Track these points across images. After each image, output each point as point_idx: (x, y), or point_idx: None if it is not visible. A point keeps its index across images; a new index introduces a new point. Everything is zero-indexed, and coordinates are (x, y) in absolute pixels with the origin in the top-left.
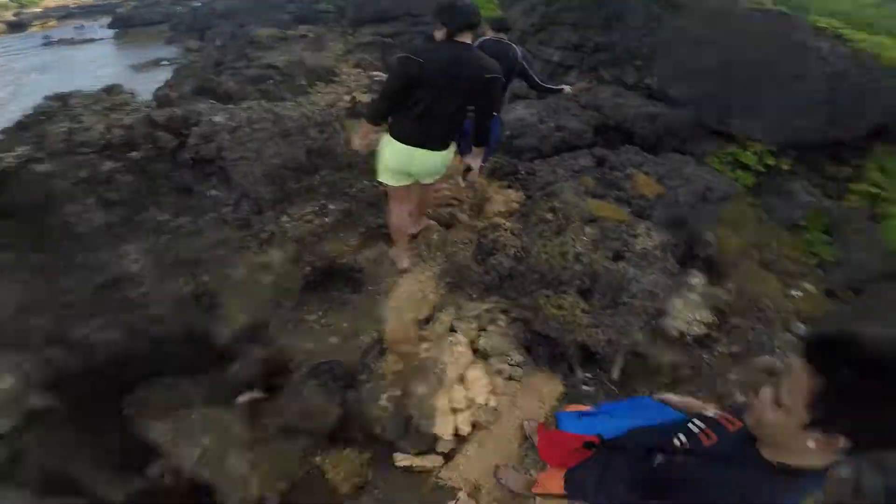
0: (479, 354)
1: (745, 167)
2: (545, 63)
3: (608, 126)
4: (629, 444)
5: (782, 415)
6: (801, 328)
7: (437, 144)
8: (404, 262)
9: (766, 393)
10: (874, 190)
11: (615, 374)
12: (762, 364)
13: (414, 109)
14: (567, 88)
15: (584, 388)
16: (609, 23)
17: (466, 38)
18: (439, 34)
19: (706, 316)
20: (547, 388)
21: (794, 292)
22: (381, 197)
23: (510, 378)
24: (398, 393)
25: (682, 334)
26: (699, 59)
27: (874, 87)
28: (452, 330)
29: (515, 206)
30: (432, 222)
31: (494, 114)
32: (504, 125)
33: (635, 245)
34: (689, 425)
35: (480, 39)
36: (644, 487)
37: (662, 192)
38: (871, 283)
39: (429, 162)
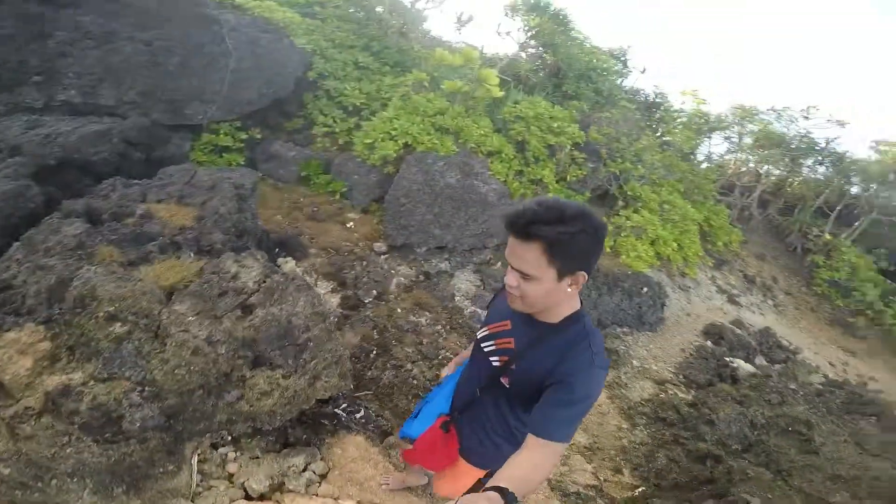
0: None
1: (227, 149)
2: None
3: (49, 168)
4: (466, 393)
5: (538, 283)
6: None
7: None
8: None
9: (512, 279)
10: (326, 129)
11: None
12: None
13: None
14: None
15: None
16: None
17: None
18: None
19: None
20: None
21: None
22: None
23: None
24: None
25: None
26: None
27: (282, 45)
28: None
29: None
30: None
31: None
32: None
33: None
34: (487, 354)
35: None
36: (512, 401)
37: (196, 214)
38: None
39: None
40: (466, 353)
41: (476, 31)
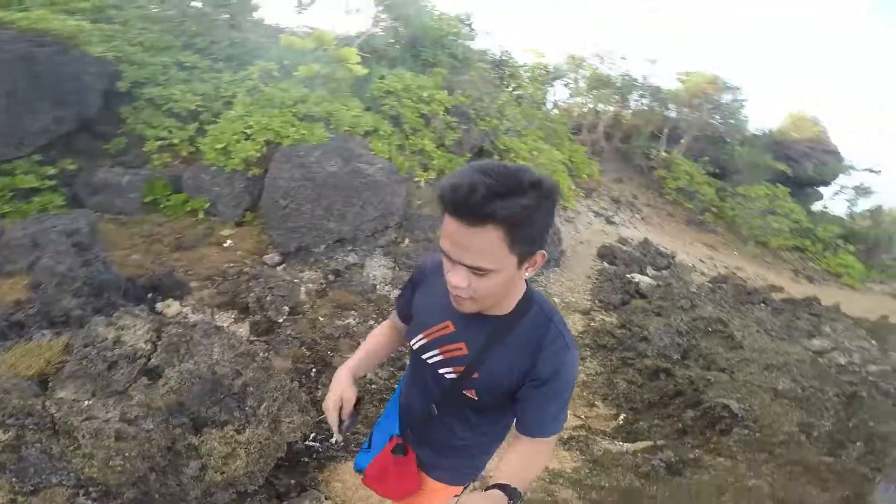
0: None
1: (35, 190)
2: None
3: None
4: (418, 410)
5: (495, 277)
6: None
7: None
8: None
9: (460, 278)
10: (161, 142)
11: None
12: None
13: None
14: None
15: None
16: None
17: None
18: None
19: None
20: None
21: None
22: None
23: None
24: None
25: None
26: None
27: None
28: None
29: None
30: None
31: None
32: None
33: None
34: (434, 366)
35: None
36: (482, 411)
37: (28, 282)
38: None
39: None
40: (374, 345)
41: (320, 12)
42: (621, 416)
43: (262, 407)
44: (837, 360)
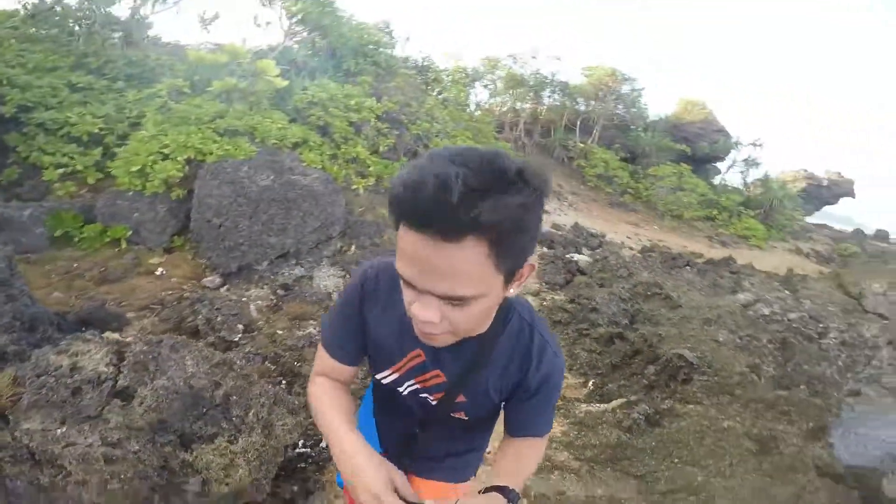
0: None
1: None
2: None
3: None
4: (399, 431)
5: (477, 303)
6: None
7: None
8: None
9: (432, 313)
10: (62, 170)
11: None
12: None
13: None
14: None
15: None
16: None
17: None
18: None
19: None
20: None
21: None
22: None
23: None
24: None
25: None
26: None
27: None
28: None
29: None
30: None
31: None
32: None
33: None
34: (413, 393)
35: None
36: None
37: None
38: None
39: None
40: (346, 409)
41: (226, 29)
42: (590, 382)
43: (251, 414)
44: (762, 311)
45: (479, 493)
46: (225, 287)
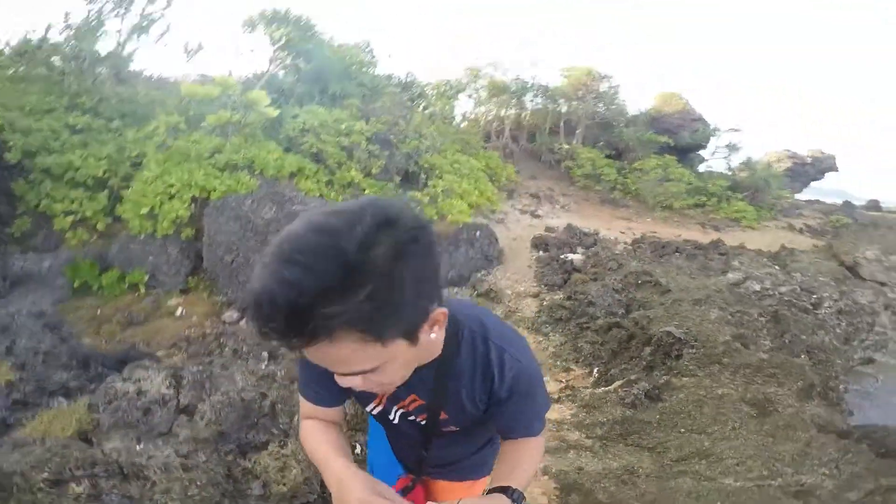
0: None
1: None
2: None
3: None
4: (410, 457)
5: (389, 366)
6: None
7: None
8: None
9: (348, 381)
10: (72, 217)
11: None
12: None
13: None
14: None
15: None
16: None
17: None
18: None
19: None
20: None
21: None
22: None
23: None
24: None
25: None
26: None
27: None
28: None
29: None
30: None
31: None
32: None
33: None
34: (402, 417)
35: None
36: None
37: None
38: None
39: None
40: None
41: (208, 57)
42: (595, 370)
43: (295, 419)
44: (753, 288)
45: (482, 493)
46: (243, 320)
